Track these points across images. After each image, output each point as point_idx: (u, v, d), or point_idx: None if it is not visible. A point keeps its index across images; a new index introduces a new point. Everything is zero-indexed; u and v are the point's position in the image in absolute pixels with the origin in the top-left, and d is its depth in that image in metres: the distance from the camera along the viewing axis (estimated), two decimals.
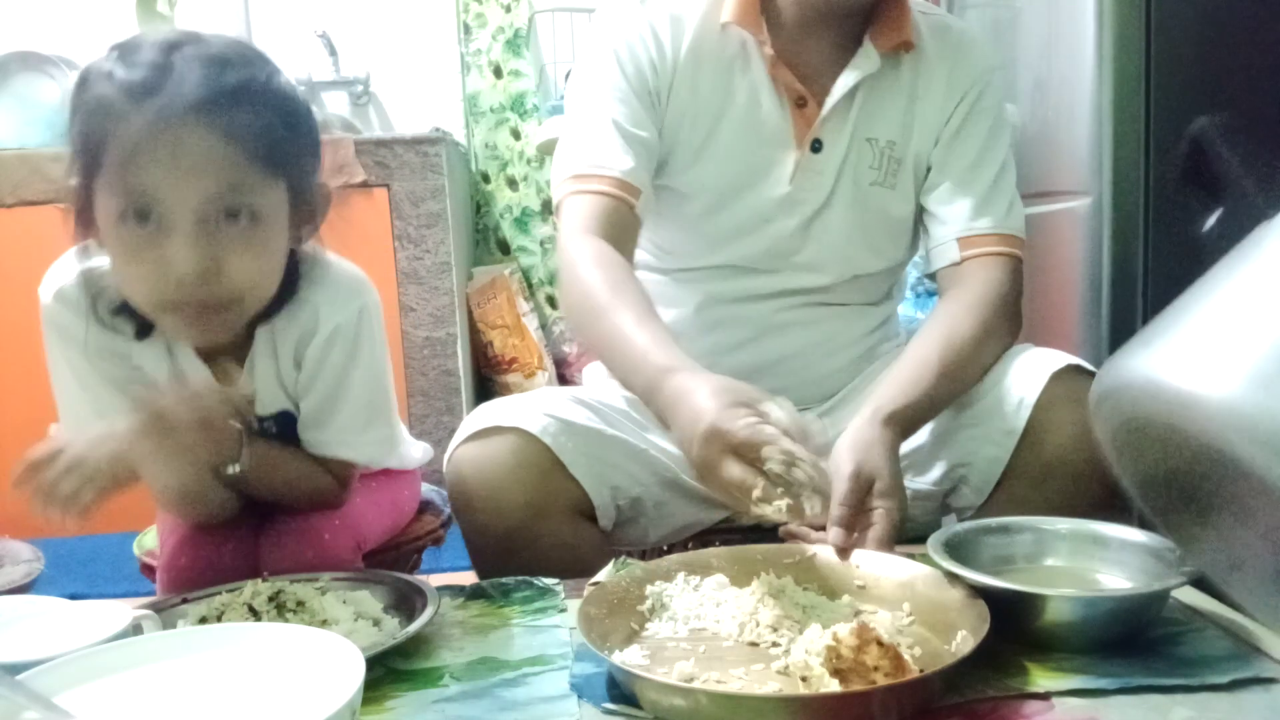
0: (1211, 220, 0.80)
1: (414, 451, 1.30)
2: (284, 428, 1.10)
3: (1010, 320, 1.17)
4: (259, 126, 0.91)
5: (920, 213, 1.25)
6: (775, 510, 0.84)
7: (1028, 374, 1.10)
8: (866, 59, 1.17)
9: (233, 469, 1.01)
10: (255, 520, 1.11)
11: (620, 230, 1.15)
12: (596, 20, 1.24)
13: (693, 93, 1.19)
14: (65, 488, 0.93)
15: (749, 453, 0.86)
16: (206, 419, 0.94)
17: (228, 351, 1.05)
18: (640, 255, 1.25)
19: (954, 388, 1.12)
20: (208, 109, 0.88)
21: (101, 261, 0.99)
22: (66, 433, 1.02)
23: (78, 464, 0.93)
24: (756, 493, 0.85)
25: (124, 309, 1.00)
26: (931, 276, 1.25)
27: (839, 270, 1.23)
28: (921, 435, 1.16)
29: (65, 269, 1.02)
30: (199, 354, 1.04)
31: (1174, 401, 0.55)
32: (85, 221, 0.95)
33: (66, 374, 1.04)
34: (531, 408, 1.10)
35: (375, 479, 1.23)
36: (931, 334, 1.13)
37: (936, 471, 1.17)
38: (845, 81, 1.17)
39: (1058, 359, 1.09)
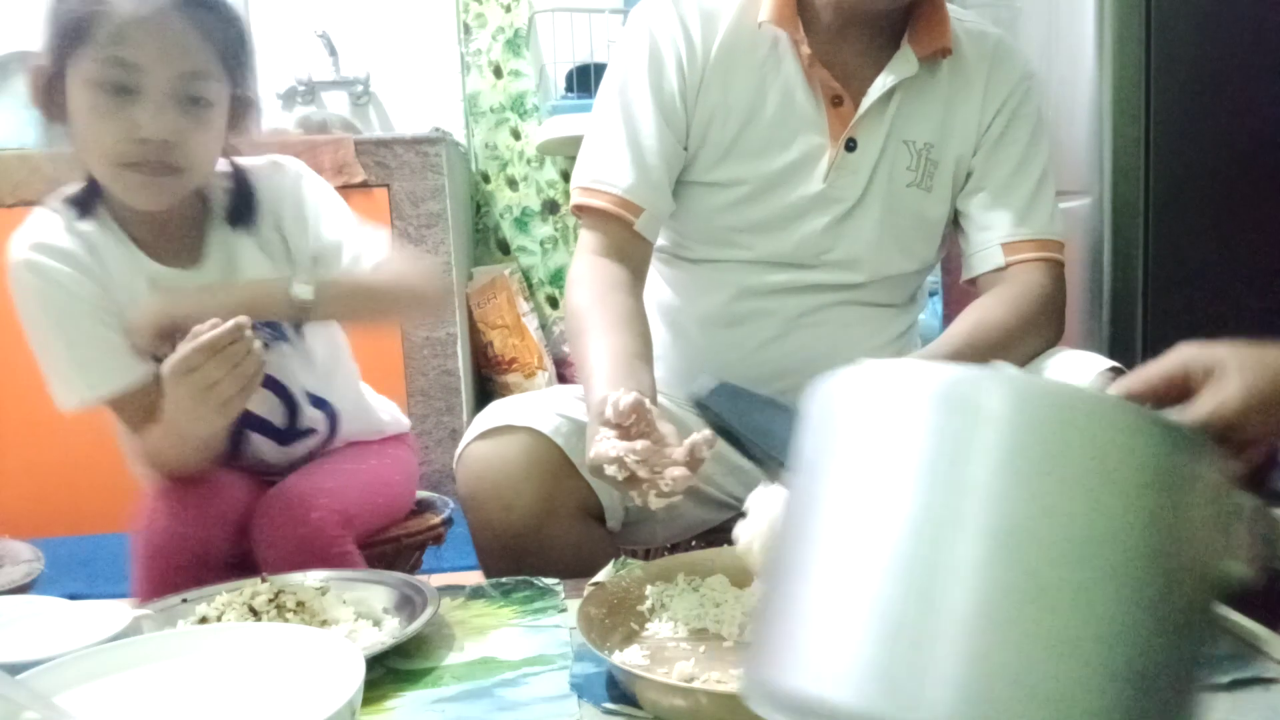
0: None
1: (381, 414, 1.33)
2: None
3: (1052, 320, 1.18)
4: (220, 29, 1.09)
5: (955, 217, 1.25)
6: (657, 498, 0.89)
7: (1072, 370, 1.10)
8: (905, 62, 1.17)
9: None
10: (237, 493, 1.13)
11: (619, 248, 1.16)
12: (630, 15, 1.23)
13: (724, 90, 1.18)
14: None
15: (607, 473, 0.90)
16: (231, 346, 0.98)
17: (183, 261, 1.14)
18: (672, 246, 1.26)
19: (979, 361, 1.12)
20: (187, 5, 1.06)
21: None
22: (60, 394, 1.09)
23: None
24: (642, 493, 0.89)
25: (71, 198, 1.12)
26: (971, 282, 1.24)
27: (871, 269, 1.23)
28: None
29: (39, 224, 1.10)
30: (151, 255, 1.13)
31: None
32: (50, 93, 1.07)
33: (49, 327, 1.08)
34: (544, 407, 1.10)
35: (358, 454, 1.25)
36: (964, 315, 1.15)
37: None
38: (882, 83, 1.17)
39: (1103, 361, 1.10)
